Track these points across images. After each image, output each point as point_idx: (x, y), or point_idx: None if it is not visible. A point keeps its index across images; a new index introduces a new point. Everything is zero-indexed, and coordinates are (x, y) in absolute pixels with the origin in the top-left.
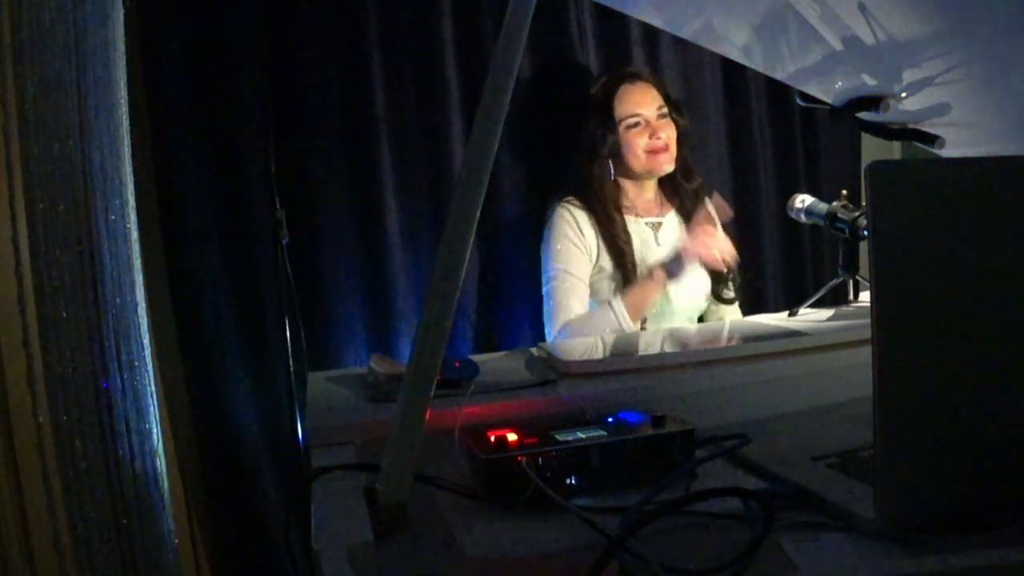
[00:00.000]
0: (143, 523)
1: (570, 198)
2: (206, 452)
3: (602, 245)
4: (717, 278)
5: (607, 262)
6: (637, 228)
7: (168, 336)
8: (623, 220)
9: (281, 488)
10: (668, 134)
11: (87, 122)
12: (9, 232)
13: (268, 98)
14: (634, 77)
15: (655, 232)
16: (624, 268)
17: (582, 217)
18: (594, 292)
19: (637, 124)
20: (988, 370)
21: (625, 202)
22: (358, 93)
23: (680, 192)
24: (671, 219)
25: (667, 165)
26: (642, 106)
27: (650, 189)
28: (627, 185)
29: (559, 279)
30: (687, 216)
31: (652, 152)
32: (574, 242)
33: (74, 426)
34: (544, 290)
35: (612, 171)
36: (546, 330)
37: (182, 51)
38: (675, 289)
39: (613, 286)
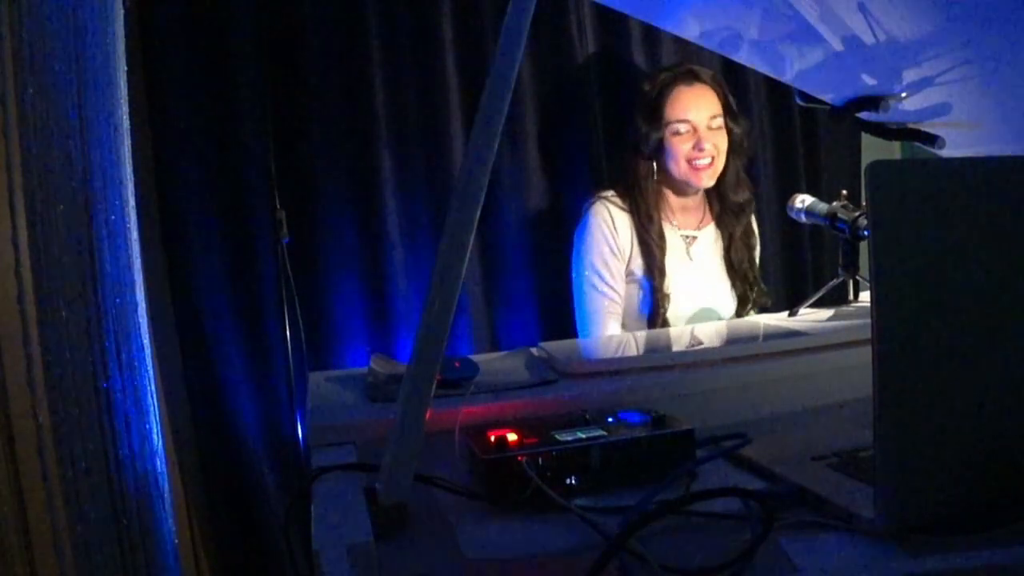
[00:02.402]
0: (143, 523)
1: (609, 193)
2: (206, 452)
3: (636, 246)
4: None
5: (638, 265)
6: (671, 238)
7: (168, 336)
8: (660, 223)
9: (281, 488)
10: (717, 145)
11: (87, 122)
12: (9, 232)
13: (268, 98)
14: (693, 78)
15: (688, 245)
16: (652, 272)
17: (618, 215)
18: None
19: (684, 131)
20: (988, 370)
21: (665, 207)
22: (358, 93)
23: (725, 203)
24: (708, 232)
25: (708, 180)
26: (693, 112)
27: (694, 198)
28: (668, 190)
29: (595, 289)
30: (727, 230)
31: (694, 164)
32: (609, 244)
33: (74, 426)
34: (576, 294)
35: (655, 171)
36: (579, 329)
37: (182, 51)
38: (698, 308)
39: (641, 294)
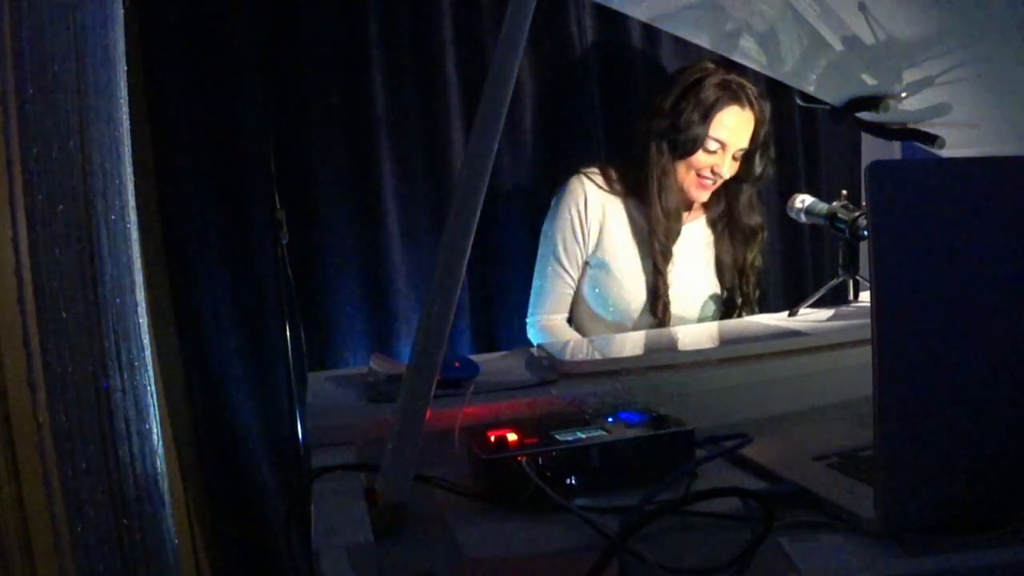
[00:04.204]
0: (143, 523)
1: (592, 169)
2: (206, 452)
3: (607, 227)
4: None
5: (611, 251)
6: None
7: (168, 336)
8: (678, 206)
9: (281, 488)
10: (728, 172)
11: (87, 122)
12: (9, 232)
13: (268, 98)
14: (748, 103)
15: None
16: (655, 252)
17: (593, 192)
18: (590, 285)
19: (716, 151)
20: (988, 370)
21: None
22: (358, 93)
23: (737, 226)
24: (694, 228)
25: (704, 195)
26: (732, 136)
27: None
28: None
29: (551, 268)
30: (731, 253)
31: (701, 180)
32: (572, 226)
33: (74, 426)
34: (537, 267)
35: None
36: (530, 300)
37: (182, 51)
38: (676, 301)
39: (610, 280)
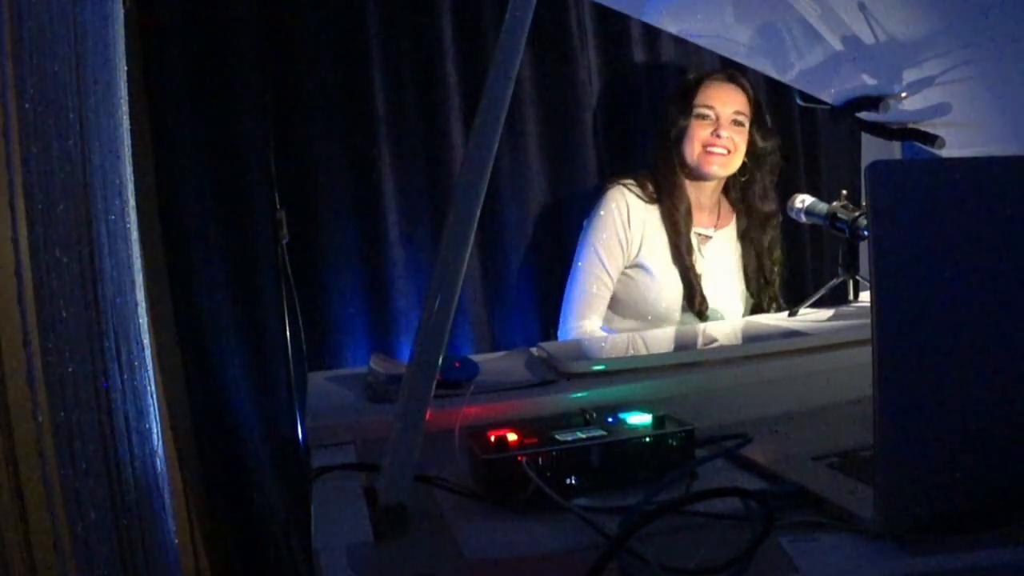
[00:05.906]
0: (143, 523)
1: (628, 180)
2: (206, 452)
3: (648, 235)
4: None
5: (651, 254)
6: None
7: (168, 336)
8: (688, 204)
9: (281, 488)
10: (734, 139)
11: (87, 122)
12: (9, 232)
13: (268, 98)
14: (729, 78)
15: (701, 244)
16: (679, 248)
17: (634, 203)
18: (632, 288)
19: (706, 117)
20: (988, 370)
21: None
22: (358, 93)
23: (752, 213)
24: (724, 235)
25: (720, 169)
26: (719, 103)
27: (709, 196)
28: (688, 185)
29: (592, 274)
30: (751, 241)
31: (708, 150)
32: (617, 234)
33: (74, 426)
34: (572, 274)
35: (677, 157)
36: (564, 307)
37: (182, 51)
38: (720, 300)
39: (655, 284)
